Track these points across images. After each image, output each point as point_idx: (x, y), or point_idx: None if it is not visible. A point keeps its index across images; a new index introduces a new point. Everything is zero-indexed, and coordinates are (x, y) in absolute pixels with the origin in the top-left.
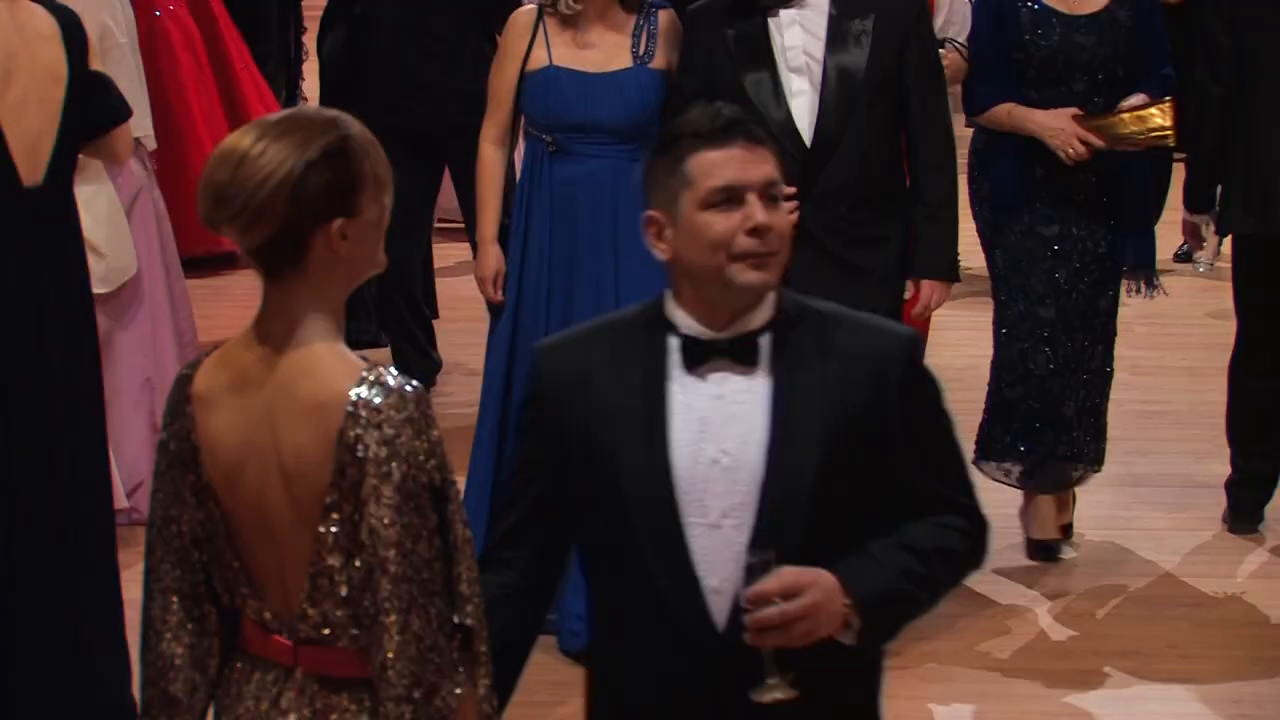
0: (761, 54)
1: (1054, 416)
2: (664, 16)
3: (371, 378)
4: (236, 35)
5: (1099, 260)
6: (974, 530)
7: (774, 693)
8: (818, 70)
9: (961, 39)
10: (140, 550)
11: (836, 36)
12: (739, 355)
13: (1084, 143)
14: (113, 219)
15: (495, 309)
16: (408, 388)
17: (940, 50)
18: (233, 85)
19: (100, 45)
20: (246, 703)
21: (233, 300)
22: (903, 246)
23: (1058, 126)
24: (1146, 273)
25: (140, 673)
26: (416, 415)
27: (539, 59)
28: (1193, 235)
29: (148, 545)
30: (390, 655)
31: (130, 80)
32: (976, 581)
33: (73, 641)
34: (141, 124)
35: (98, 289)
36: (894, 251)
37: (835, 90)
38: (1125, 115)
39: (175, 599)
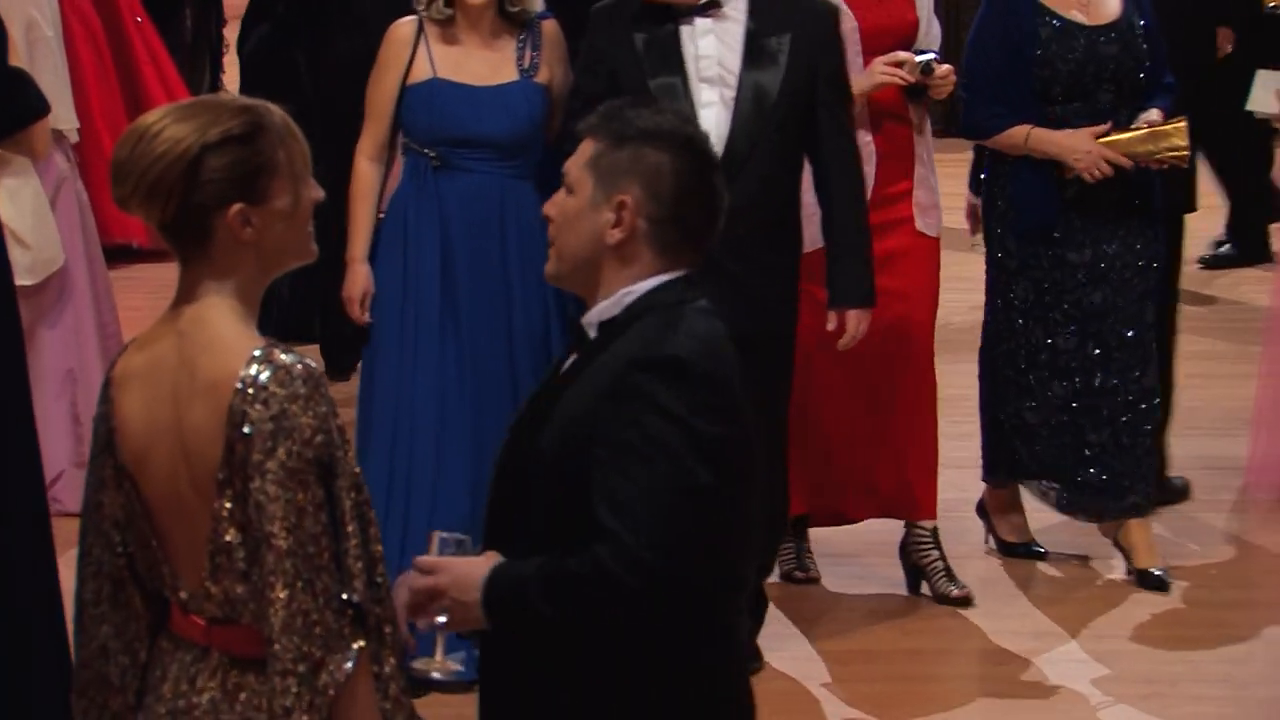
0: (672, 61)
1: (1078, 445)
2: (547, 28)
3: (261, 355)
4: (144, 26)
5: (1140, 273)
6: (613, 567)
7: (426, 669)
8: (732, 84)
9: (937, 49)
10: (66, 539)
11: (753, 52)
12: (575, 341)
13: (1109, 161)
14: (38, 211)
15: (365, 331)
16: (298, 365)
17: (929, 59)
18: (135, 78)
19: (26, 37)
20: (169, 683)
21: (153, 291)
22: (795, 276)
23: (1083, 149)
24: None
25: (75, 655)
26: (304, 392)
27: (421, 71)
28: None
29: (80, 530)
30: (276, 629)
31: (55, 73)
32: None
33: (14, 625)
34: (65, 117)
35: (23, 280)
36: (789, 280)
37: (749, 108)
38: (1144, 132)
39: (106, 583)
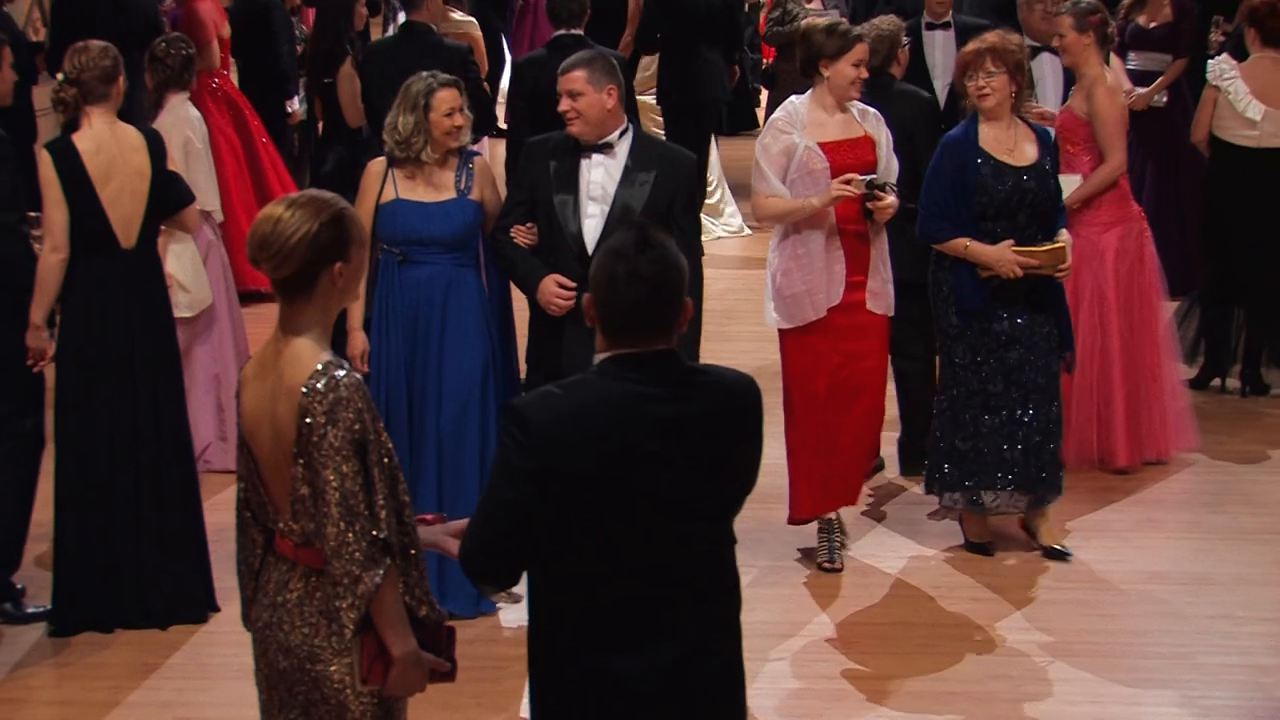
0: (572, 183)
1: (998, 459)
2: (479, 162)
3: (321, 370)
4: (267, 145)
5: (1046, 338)
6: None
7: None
8: (608, 202)
9: (893, 180)
10: (211, 488)
11: (626, 180)
12: None
13: (1022, 266)
14: (195, 267)
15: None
16: (344, 377)
17: (884, 189)
18: (261, 178)
19: (184, 150)
20: (272, 585)
21: (269, 321)
22: None
23: (1006, 259)
24: (1070, 351)
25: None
26: (346, 395)
27: (389, 194)
28: None
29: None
30: (329, 554)
31: (206, 174)
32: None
33: (170, 543)
34: (212, 203)
35: (183, 314)
36: None
37: (618, 218)
38: (1046, 249)
39: (239, 516)
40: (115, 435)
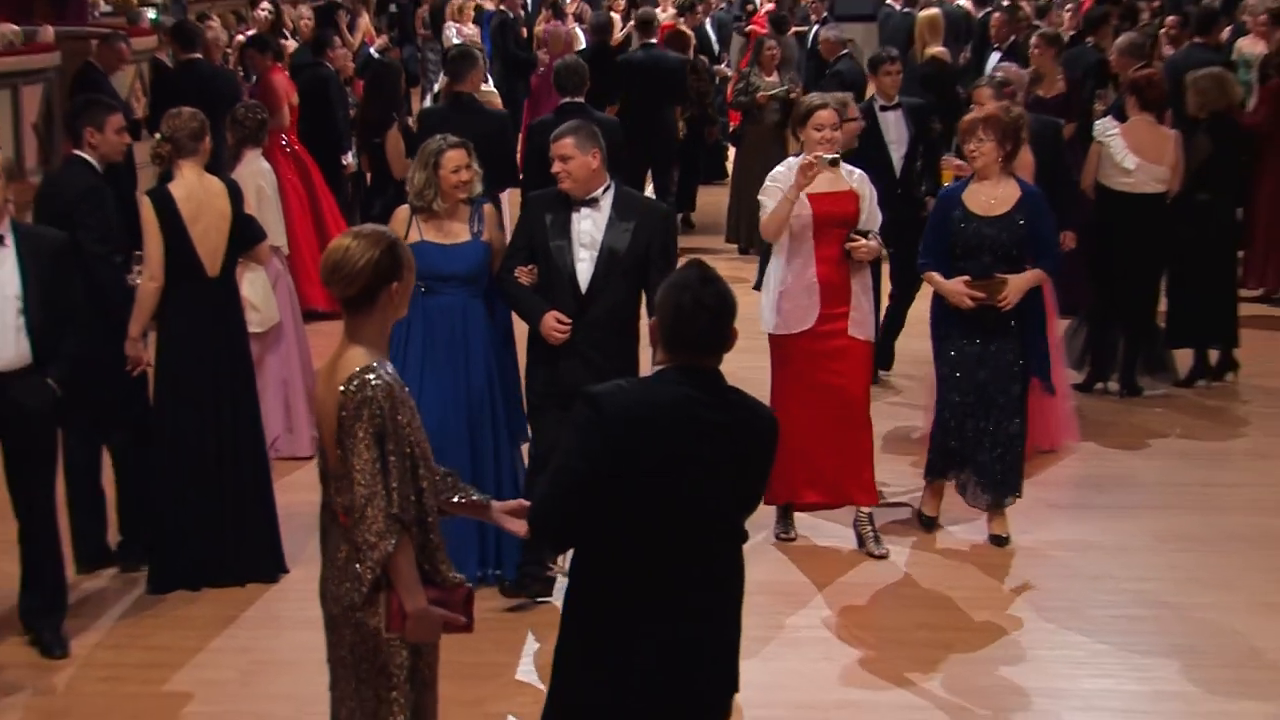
0: (565, 232)
1: (972, 460)
2: (487, 209)
3: (356, 374)
4: (326, 193)
5: (1010, 364)
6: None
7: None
8: (597, 247)
9: (875, 229)
10: (279, 471)
11: (610, 229)
12: None
13: (970, 298)
14: (265, 291)
15: None
16: (371, 379)
17: (864, 237)
18: (321, 219)
19: (257, 196)
20: (330, 546)
21: (325, 335)
22: (634, 358)
23: (953, 290)
24: (1043, 379)
25: None
26: (370, 394)
27: (414, 237)
28: None
29: None
30: (353, 524)
31: (275, 215)
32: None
33: (247, 516)
34: (280, 239)
35: (255, 330)
36: (630, 363)
37: (605, 261)
38: (985, 283)
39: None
40: (203, 428)
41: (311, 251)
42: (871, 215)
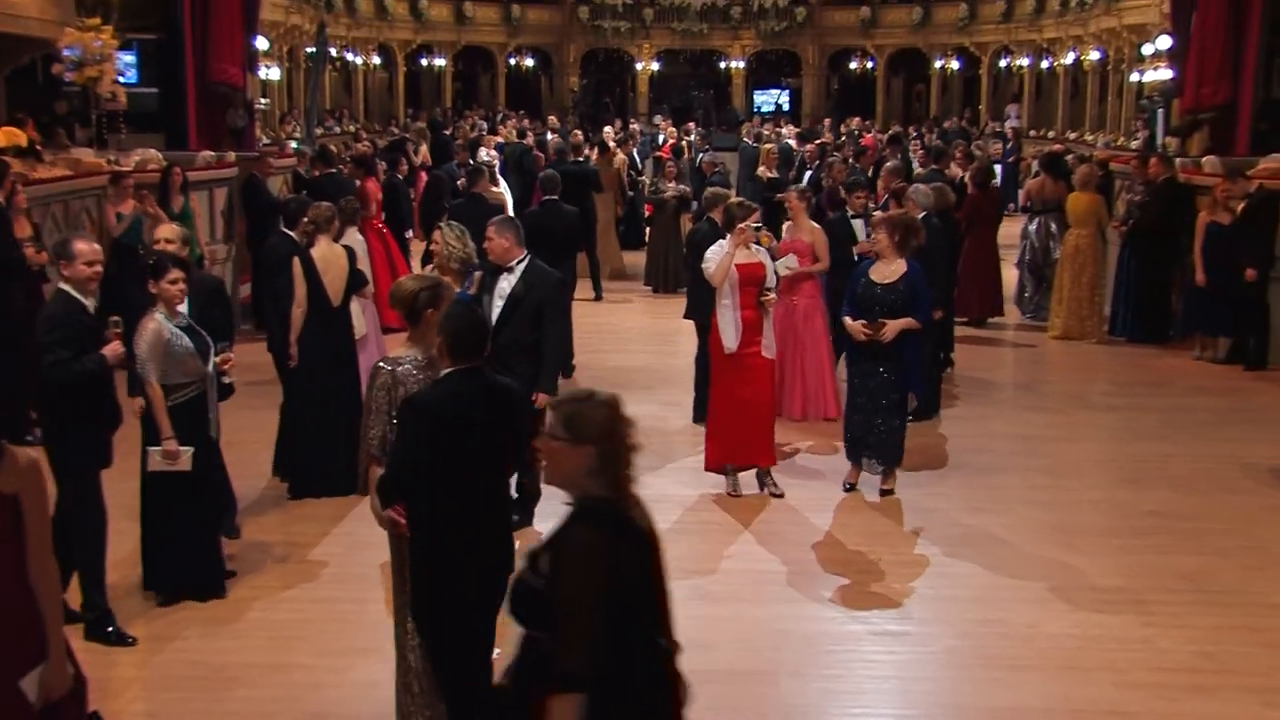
0: (490, 288)
1: (865, 443)
2: (476, 274)
3: (385, 357)
4: (397, 250)
5: (890, 382)
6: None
7: None
8: (506, 296)
9: (773, 286)
10: None
11: (517, 286)
12: None
13: (864, 334)
14: (358, 315)
15: None
16: (383, 367)
17: (770, 293)
18: (396, 266)
19: (357, 252)
20: None
21: (398, 342)
22: (536, 373)
23: (852, 329)
24: (915, 392)
25: None
26: (375, 372)
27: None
28: None
29: None
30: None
31: (366, 269)
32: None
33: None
34: (369, 284)
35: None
36: (528, 374)
37: (509, 307)
38: (867, 324)
39: None
40: (325, 391)
41: (387, 290)
42: (770, 276)
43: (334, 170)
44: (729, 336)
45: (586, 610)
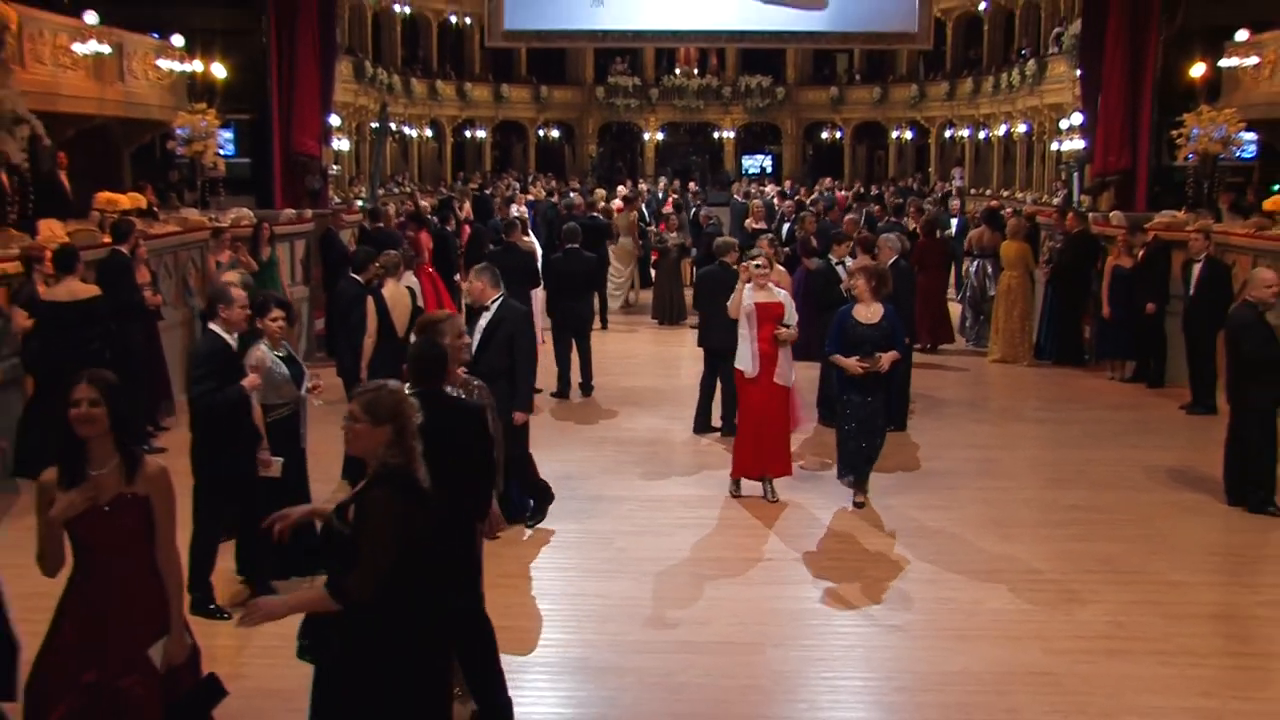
0: (472, 322)
1: (855, 463)
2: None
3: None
4: (445, 291)
5: (878, 410)
6: None
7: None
8: (483, 329)
9: (792, 324)
10: None
11: (492, 320)
12: None
13: (861, 368)
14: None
15: None
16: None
17: (789, 328)
18: (442, 303)
19: (417, 292)
20: None
21: None
22: (513, 390)
23: (847, 365)
24: (896, 420)
25: None
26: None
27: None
28: None
29: None
30: None
31: (420, 298)
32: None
33: None
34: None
35: None
36: (504, 395)
37: (484, 339)
38: (863, 360)
39: None
40: None
41: None
42: (791, 316)
43: (382, 225)
44: (748, 365)
45: (381, 549)
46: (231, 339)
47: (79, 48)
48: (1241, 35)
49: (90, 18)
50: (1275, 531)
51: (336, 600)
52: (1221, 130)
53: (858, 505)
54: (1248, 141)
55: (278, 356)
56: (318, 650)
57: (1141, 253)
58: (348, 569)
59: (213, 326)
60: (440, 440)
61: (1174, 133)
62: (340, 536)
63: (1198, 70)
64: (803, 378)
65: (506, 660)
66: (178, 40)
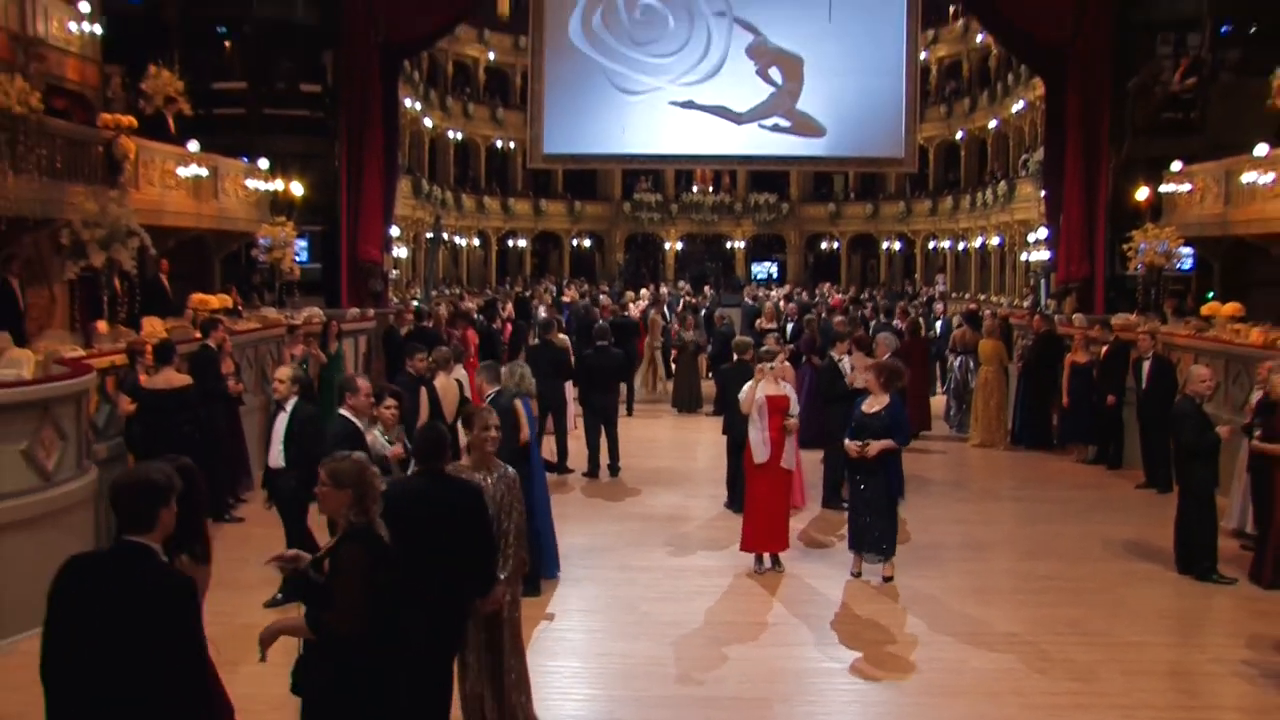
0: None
1: (863, 540)
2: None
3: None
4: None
5: (878, 488)
6: None
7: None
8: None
9: (795, 414)
10: None
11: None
12: None
13: (855, 452)
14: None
15: None
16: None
17: (793, 418)
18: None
19: (464, 383)
20: None
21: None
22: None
23: (849, 446)
24: (896, 495)
25: None
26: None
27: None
28: None
29: None
30: None
31: (464, 379)
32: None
33: None
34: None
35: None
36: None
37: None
38: (859, 444)
39: None
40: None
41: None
42: (793, 405)
43: (428, 324)
44: (759, 452)
45: (355, 593)
46: (361, 423)
47: (182, 171)
48: (1176, 166)
49: (192, 145)
50: (1219, 597)
51: (312, 630)
52: (1164, 245)
53: (886, 579)
54: (1186, 255)
55: (387, 440)
56: (304, 685)
57: (1104, 350)
58: (324, 609)
59: (343, 412)
60: (438, 515)
61: (1125, 246)
62: (316, 584)
63: (1142, 194)
64: (808, 461)
65: (542, 713)
66: (263, 163)
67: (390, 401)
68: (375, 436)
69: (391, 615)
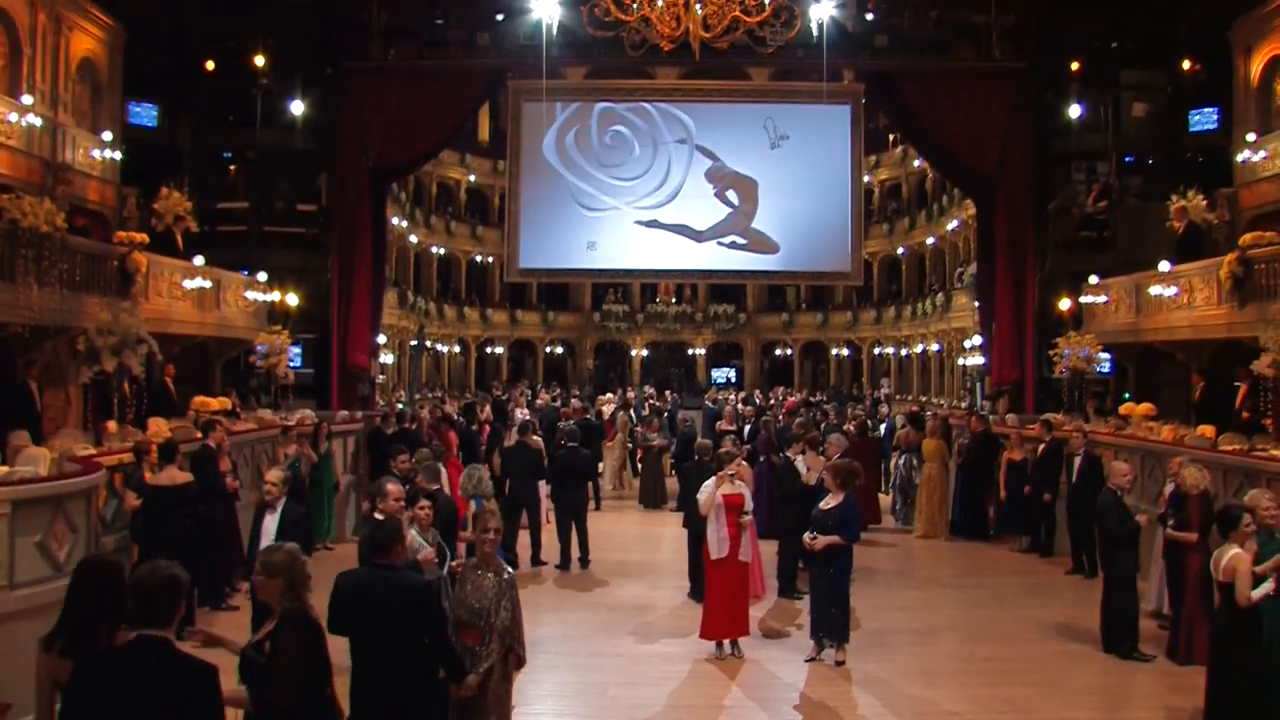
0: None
1: (820, 626)
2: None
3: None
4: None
5: (830, 578)
6: None
7: None
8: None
9: (749, 511)
10: None
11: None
12: None
13: (807, 545)
14: (448, 486)
15: None
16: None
17: (748, 515)
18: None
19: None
20: None
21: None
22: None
23: (805, 539)
24: (842, 587)
25: None
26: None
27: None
28: None
29: None
30: None
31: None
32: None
33: None
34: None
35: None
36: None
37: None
38: (812, 538)
39: None
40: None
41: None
42: (748, 504)
43: (408, 426)
44: (715, 548)
45: (294, 670)
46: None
47: (187, 283)
48: (1094, 279)
49: (198, 260)
50: (1140, 674)
51: (255, 707)
52: (1085, 351)
53: (838, 663)
54: (1104, 359)
55: (424, 540)
56: None
57: (1042, 448)
58: (265, 685)
59: (377, 516)
60: (381, 604)
61: (1051, 352)
62: (257, 664)
63: (1065, 305)
64: (765, 553)
65: None
66: (262, 276)
67: (424, 503)
68: (413, 536)
69: (323, 689)
